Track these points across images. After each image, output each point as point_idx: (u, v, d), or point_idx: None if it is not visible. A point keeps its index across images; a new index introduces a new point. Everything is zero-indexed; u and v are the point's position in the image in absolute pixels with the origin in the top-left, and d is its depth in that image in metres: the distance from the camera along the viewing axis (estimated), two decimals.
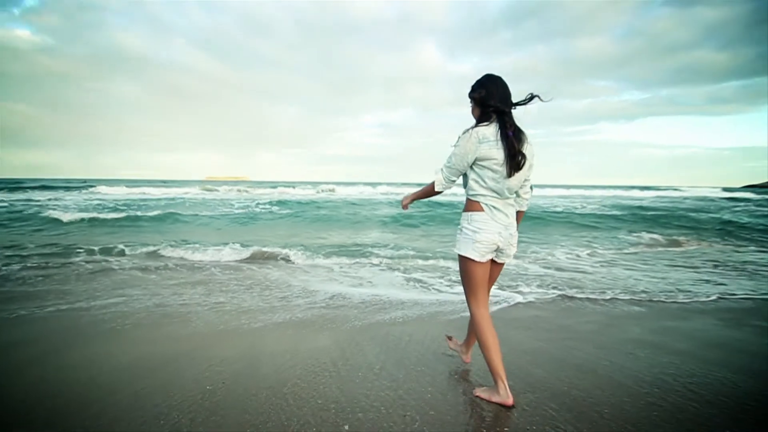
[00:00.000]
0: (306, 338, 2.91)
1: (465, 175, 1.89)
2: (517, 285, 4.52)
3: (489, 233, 1.80)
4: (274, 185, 38.12)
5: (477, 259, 1.82)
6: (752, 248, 7.75)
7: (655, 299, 4.05)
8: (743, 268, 5.67)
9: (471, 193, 1.86)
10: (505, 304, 3.87)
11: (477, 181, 1.83)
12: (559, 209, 15.05)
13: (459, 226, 1.91)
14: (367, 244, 7.55)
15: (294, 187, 31.92)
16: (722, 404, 1.97)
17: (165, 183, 45.64)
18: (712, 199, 25.49)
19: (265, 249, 6.42)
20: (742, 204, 20.75)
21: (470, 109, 1.92)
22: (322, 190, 28.02)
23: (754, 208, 18.21)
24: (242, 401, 1.99)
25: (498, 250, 1.87)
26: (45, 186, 32.17)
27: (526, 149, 1.80)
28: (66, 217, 9.81)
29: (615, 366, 2.42)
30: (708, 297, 4.10)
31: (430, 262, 5.89)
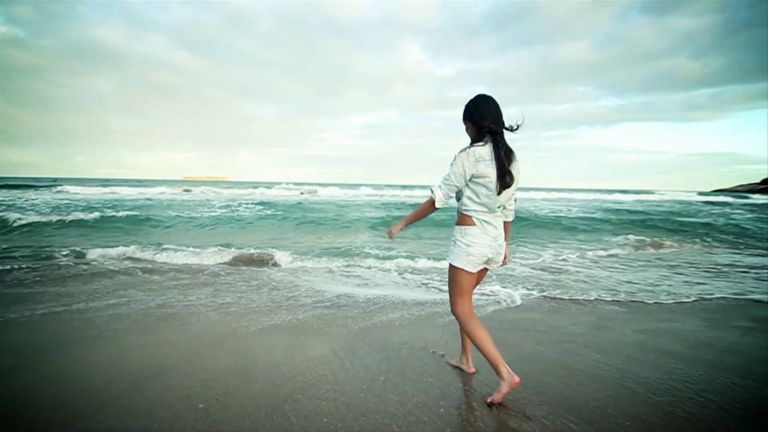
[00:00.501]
0: (302, 345, 2.76)
1: (459, 191, 1.99)
2: (505, 286, 4.52)
3: (481, 246, 1.94)
4: (255, 185, 37.29)
5: (470, 270, 1.96)
6: (730, 250, 8.00)
7: (637, 300, 4.12)
8: (721, 270, 5.83)
9: (464, 208, 1.97)
10: (496, 306, 3.85)
11: (471, 198, 1.94)
12: (545, 212, 15.23)
13: (453, 239, 2.03)
14: (360, 245, 7.40)
15: (270, 188, 31.37)
16: (737, 411, 1.93)
17: (141, 182, 43.96)
18: (690, 203, 26.29)
19: (253, 251, 6.20)
20: (718, 207, 21.43)
21: (465, 128, 2.04)
22: (306, 192, 27.63)
23: (729, 211, 18.95)
24: (240, 421, 1.81)
25: (489, 259, 2.01)
26: (9, 185, 30.45)
27: (514, 168, 1.93)
28: (21, 218, 9.05)
29: (622, 372, 2.36)
30: (689, 298, 4.20)
31: (422, 263, 5.84)
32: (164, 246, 6.48)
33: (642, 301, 4.06)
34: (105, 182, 41.94)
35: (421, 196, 26.59)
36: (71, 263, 5.30)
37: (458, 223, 2.01)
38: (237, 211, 13.01)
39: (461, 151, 1.90)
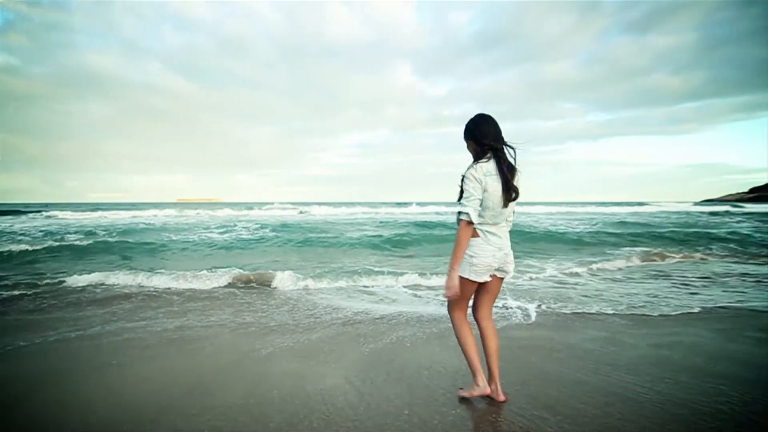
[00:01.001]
0: (316, 372, 2.59)
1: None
2: (517, 300, 4.47)
3: (484, 257, 1.99)
4: (249, 206, 37.06)
5: (474, 279, 2.01)
6: (733, 259, 7.95)
7: (644, 312, 4.08)
8: (723, 279, 5.80)
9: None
10: (507, 322, 3.79)
11: (480, 212, 1.97)
12: (546, 225, 15.19)
13: None
14: (368, 264, 7.28)
15: (264, 208, 31.19)
16: None
17: (134, 206, 43.45)
18: (688, 213, 26.47)
19: (257, 272, 5.98)
20: (717, 217, 21.57)
21: (466, 146, 2.11)
22: (305, 212, 27.46)
23: (728, 220, 19.17)
24: None
25: (497, 268, 2.05)
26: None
27: (517, 181, 2.02)
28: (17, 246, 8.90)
29: (663, 396, 2.21)
30: (692, 308, 4.18)
31: (434, 280, 5.76)
32: (170, 271, 6.25)
33: (648, 314, 4.02)
34: (97, 206, 41.36)
35: (417, 213, 26.53)
36: (63, 290, 5.07)
37: None
38: (236, 232, 12.62)
39: (469, 168, 1.97)
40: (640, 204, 49.37)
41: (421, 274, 6.00)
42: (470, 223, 1.93)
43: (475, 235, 1.99)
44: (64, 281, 5.54)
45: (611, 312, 4.11)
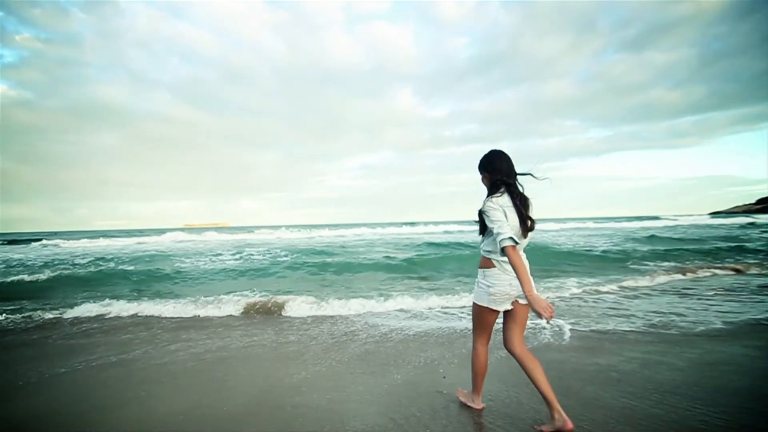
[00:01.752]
0: (353, 408, 2.42)
1: (482, 235, 2.13)
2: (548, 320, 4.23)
3: (501, 286, 2.05)
4: (253, 229, 37.08)
5: (494, 308, 2.08)
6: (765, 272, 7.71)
7: (675, 330, 3.99)
8: (755, 292, 5.62)
9: (485, 251, 2.10)
10: (535, 342, 3.72)
11: (491, 242, 2.04)
12: (562, 240, 14.87)
13: (476, 280, 2.17)
14: (396, 286, 7.13)
15: (260, 231, 31.14)
16: None
17: (142, 232, 43.68)
18: (710, 226, 25.82)
19: (283, 297, 5.84)
20: (739, 229, 20.94)
21: (481, 178, 2.23)
22: (315, 235, 27.36)
23: (750, 231, 18.72)
24: None
25: (518, 296, 2.08)
26: (7, 240, 30.16)
27: (532, 212, 2.08)
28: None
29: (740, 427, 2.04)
30: (720, 323, 4.13)
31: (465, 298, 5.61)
32: (194, 296, 6.13)
33: (681, 332, 3.91)
34: (104, 234, 41.57)
35: (424, 233, 26.36)
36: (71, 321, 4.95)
37: (480, 266, 2.14)
38: (250, 257, 12.13)
39: (486, 202, 2.05)
40: (654, 218, 48.62)
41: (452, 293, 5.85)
42: (515, 244, 1.91)
43: (491, 265, 2.07)
44: (71, 308, 5.44)
45: (645, 330, 4.00)
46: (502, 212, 2.00)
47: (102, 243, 22.42)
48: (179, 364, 3.45)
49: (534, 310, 1.81)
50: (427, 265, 9.99)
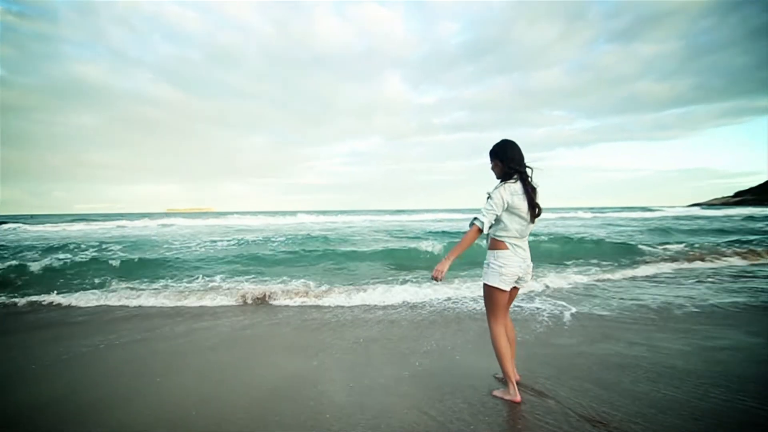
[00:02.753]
0: (381, 400, 2.24)
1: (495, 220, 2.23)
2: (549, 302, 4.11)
3: (512, 267, 2.19)
4: (246, 215, 36.34)
5: (504, 288, 2.20)
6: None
7: (667, 310, 3.86)
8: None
9: (498, 234, 2.21)
10: (540, 327, 3.44)
11: (506, 225, 2.20)
12: (560, 230, 14.85)
13: (486, 262, 2.26)
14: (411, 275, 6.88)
15: (244, 216, 30.53)
16: None
17: (123, 216, 42.32)
18: (707, 217, 25.49)
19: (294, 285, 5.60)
20: (736, 219, 20.95)
21: (491, 165, 2.32)
22: (311, 222, 26.89)
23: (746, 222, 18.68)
24: None
25: (519, 278, 2.24)
26: None
27: (538, 199, 2.22)
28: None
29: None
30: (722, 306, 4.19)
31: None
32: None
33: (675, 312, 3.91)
34: (83, 217, 40.01)
35: (417, 220, 26.32)
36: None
37: (491, 248, 2.25)
38: (249, 244, 11.23)
39: (498, 187, 2.19)
40: (645, 209, 49.01)
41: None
42: (480, 231, 2.15)
43: (504, 247, 2.20)
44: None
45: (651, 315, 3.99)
46: (503, 204, 2.15)
47: (77, 228, 21.57)
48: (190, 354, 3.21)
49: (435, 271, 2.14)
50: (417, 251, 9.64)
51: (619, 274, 6.63)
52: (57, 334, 3.77)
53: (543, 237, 10.93)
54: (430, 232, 15.47)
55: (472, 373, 2.71)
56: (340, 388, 2.49)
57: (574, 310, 4.33)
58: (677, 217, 25.82)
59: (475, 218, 2.17)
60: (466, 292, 5.30)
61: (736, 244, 9.70)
